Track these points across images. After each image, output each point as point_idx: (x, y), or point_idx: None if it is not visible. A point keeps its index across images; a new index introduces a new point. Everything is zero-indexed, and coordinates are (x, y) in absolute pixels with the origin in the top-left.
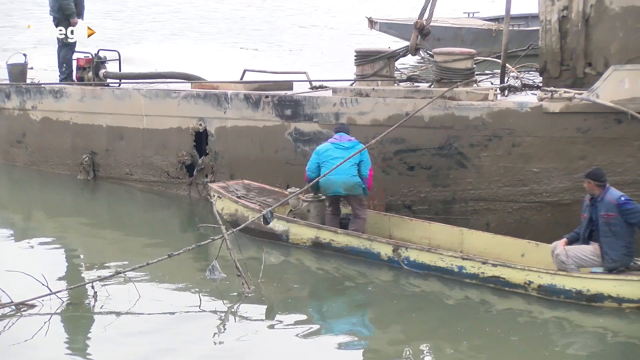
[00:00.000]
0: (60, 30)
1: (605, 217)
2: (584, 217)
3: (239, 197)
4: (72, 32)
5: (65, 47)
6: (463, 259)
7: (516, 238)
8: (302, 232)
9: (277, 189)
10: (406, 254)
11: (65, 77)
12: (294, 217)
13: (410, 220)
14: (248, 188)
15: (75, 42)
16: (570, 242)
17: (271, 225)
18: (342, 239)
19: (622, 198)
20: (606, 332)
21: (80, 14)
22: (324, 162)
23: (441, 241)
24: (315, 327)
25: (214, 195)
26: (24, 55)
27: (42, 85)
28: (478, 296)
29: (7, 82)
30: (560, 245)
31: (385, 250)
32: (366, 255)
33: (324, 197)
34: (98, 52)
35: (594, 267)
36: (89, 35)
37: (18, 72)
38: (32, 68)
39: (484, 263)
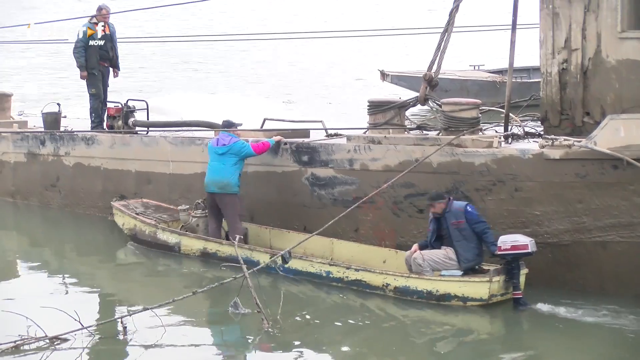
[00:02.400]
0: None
1: (456, 224)
2: (429, 230)
3: (137, 214)
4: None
5: (92, 98)
6: (330, 265)
7: (378, 247)
8: (192, 244)
9: (171, 207)
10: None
11: (96, 125)
12: (185, 231)
13: (288, 232)
14: (146, 206)
15: (100, 93)
16: (421, 248)
17: (165, 238)
18: (226, 249)
19: (468, 207)
20: (454, 327)
21: (115, 65)
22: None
23: (315, 250)
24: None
25: (116, 212)
26: (58, 104)
27: (75, 133)
28: (344, 297)
29: (42, 129)
30: (414, 250)
31: (263, 258)
32: (247, 263)
33: None
34: (127, 101)
35: (445, 269)
36: (89, 35)
37: (52, 120)
38: (65, 116)
39: (347, 268)
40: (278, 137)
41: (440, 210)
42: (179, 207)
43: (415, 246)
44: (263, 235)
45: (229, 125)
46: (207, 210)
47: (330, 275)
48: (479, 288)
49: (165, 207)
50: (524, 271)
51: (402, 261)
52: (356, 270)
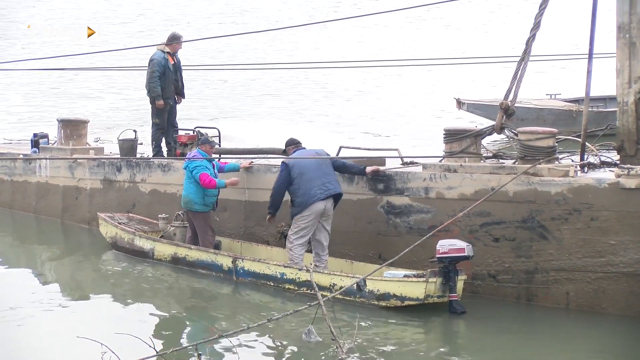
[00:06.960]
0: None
1: None
2: None
3: (119, 224)
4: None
5: (154, 127)
6: (284, 267)
7: (336, 258)
8: (164, 249)
9: (154, 221)
10: (242, 264)
11: (155, 154)
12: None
13: (257, 245)
14: (130, 218)
15: (163, 124)
16: None
17: (140, 244)
18: (193, 253)
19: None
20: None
21: (180, 93)
22: None
23: (279, 260)
24: None
25: (100, 222)
26: (134, 131)
27: (151, 160)
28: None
29: (118, 156)
30: None
31: (226, 262)
32: (212, 266)
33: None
34: (195, 128)
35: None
36: (89, 35)
37: (128, 147)
38: (141, 143)
39: (300, 270)
40: (246, 163)
41: None
42: (159, 216)
43: None
44: (235, 248)
45: (203, 142)
46: (186, 222)
47: (285, 277)
48: (415, 288)
49: (147, 220)
50: (462, 277)
51: (355, 271)
52: (307, 271)
